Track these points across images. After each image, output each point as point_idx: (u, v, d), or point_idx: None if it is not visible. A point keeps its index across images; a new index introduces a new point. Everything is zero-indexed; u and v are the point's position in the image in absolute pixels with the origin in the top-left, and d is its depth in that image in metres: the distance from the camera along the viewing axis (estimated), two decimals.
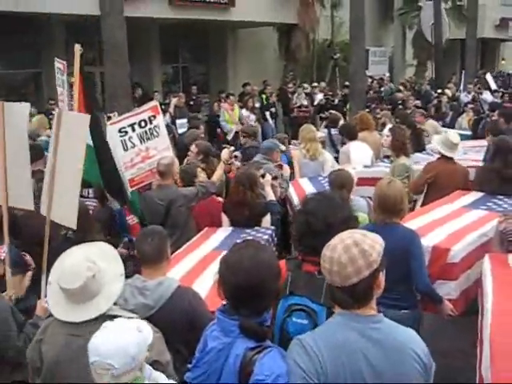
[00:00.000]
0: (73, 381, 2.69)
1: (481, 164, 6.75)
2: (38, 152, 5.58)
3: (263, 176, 5.53)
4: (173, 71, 19.81)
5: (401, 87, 17.89)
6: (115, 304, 2.85)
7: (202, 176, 5.95)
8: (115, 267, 2.91)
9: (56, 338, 2.78)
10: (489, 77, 18.19)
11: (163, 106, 10.89)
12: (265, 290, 2.30)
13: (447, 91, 15.87)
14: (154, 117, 6.01)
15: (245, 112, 13.50)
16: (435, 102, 14.18)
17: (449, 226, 4.62)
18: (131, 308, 3.01)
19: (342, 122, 10.21)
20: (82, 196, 4.75)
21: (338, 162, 7.61)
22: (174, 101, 11.69)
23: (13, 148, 4.38)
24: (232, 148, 6.23)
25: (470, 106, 12.60)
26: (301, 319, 2.55)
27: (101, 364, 2.22)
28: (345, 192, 4.74)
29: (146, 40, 16.88)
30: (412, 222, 4.54)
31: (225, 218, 5.22)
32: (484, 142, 7.64)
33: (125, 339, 2.27)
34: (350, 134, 7.88)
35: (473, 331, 3.54)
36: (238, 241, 2.78)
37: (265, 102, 15.31)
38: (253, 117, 13.70)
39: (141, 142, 5.90)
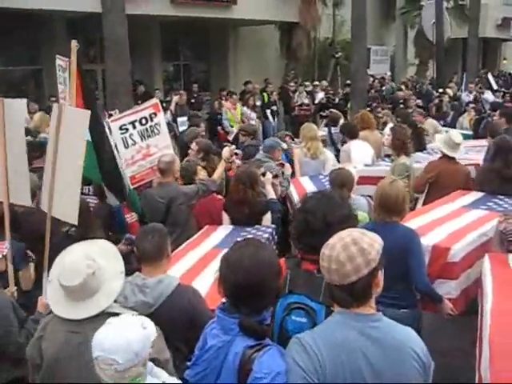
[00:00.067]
0: (73, 378, 2.70)
1: (481, 163, 6.77)
2: (40, 149, 5.59)
3: (264, 174, 5.54)
4: (174, 69, 19.80)
5: (402, 86, 17.87)
6: (115, 301, 2.85)
7: (202, 174, 5.96)
8: (115, 265, 2.91)
9: (56, 335, 2.78)
10: (490, 76, 18.19)
11: (164, 104, 10.90)
12: (265, 289, 2.30)
13: (448, 91, 15.86)
14: (155, 114, 6.02)
15: (246, 110, 13.49)
16: (436, 101, 14.16)
17: (449, 225, 4.63)
18: (131, 306, 3.02)
19: (342, 120, 10.21)
20: (82, 193, 4.74)
21: (338, 160, 7.61)
22: (175, 98, 11.67)
23: (12, 144, 4.39)
24: (233, 146, 6.23)
25: (471, 105, 12.58)
26: (300, 317, 2.55)
27: (104, 359, 2.22)
28: (345, 191, 4.74)
29: (147, 38, 16.86)
30: (412, 222, 4.55)
31: (225, 216, 5.22)
32: (485, 142, 7.64)
33: (129, 335, 2.27)
34: (350, 133, 7.88)
35: (473, 330, 3.54)
36: (239, 239, 2.79)
37: (266, 101, 15.29)
38: (254, 115, 13.69)
39: (141, 139, 5.91)
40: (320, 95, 16.07)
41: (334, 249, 2.16)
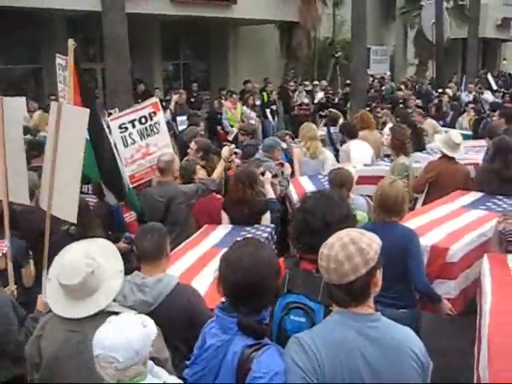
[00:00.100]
0: (72, 377, 2.70)
1: (480, 163, 6.79)
2: (39, 149, 5.59)
3: (263, 174, 5.54)
4: (173, 68, 19.79)
5: (402, 86, 17.88)
6: (114, 300, 2.85)
7: (201, 173, 5.96)
8: (115, 264, 2.91)
9: (55, 334, 2.78)
10: (490, 77, 18.19)
11: (164, 103, 10.89)
12: (264, 288, 2.30)
13: (448, 91, 15.87)
14: (155, 113, 6.02)
15: (245, 109, 13.49)
16: (436, 101, 14.17)
17: (448, 225, 4.63)
18: (130, 304, 3.02)
19: (341, 120, 10.21)
20: (81, 192, 4.75)
21: (337, 160, 7.61)
22: (174, 97, 11.67)
23: (11, 143, 4.40)
24: (233, 146, 6.23)
25: (470, 105, 12.58)
26: (298, 317, 2.55)
27: (105, 357, 2.23)
28: (344, 191, 4.75)
29: (146, 36, 16.86)
30: (412, 222, 4.56)
31: (224, 216, 5.23)
32: (484, 142, 7.64)
33: (129, 333, 2.28)
34: (350, 133, 7.88)
35: (471, 330, 3.55)
36: (238, 238, 2.78)
37: (266, 100, 15.29)
38: (253, 114, 13.69)
39: (141, 138, 5.91)
40: (319, 95, 16.06)
41: (333, 248, 2.16)
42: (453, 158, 6.12)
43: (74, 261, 2.75)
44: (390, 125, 9.14)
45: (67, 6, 12.83)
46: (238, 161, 6.27)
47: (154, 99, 6.52)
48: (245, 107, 13.52)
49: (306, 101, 15.95)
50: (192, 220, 5.36)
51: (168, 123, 7.92)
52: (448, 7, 23.73)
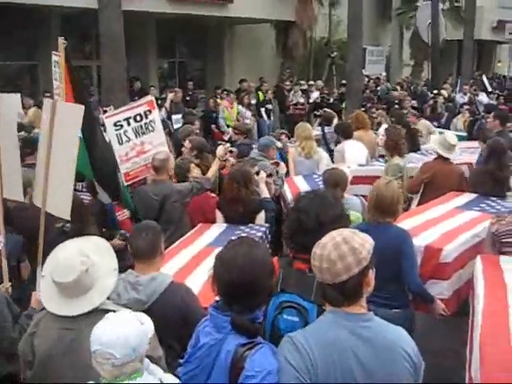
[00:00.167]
0: (66, 375, 2.69)
1: (474, 163, 6.83)
2: (32, 146, 5.58)
3: (258, 173, 5.54)
4: (169, 66, 19.77)
5: (397, 87, 17.91)
6: (108, 298, 2.85)
7: (195, 172, 5.95)
8: (109, 261, 2.91)
9: (49, 332, 2.78)
10: (484, 78, 18.25)
11: (159, 101, 10.87)
12: (258, 287, 2.31)
13: (443, 92, 15.92)
14: (150, 111, 6.00)
15: (240, 108, 13.50)
16: (431, 102, 14.21)
17: (442, 226, 4.65)
18: (124, 303, 3.02)
19: (336, 120, 10.23)
20: (75, 190, 4.74)
21: (331, 160, 7.62)
22: (170, 96, 11.65)
23: (5, 139, 4.39)
24: (228, 145, 6.23)
25: (465, 107, 12.63)
26: (291, 316, 2.56)
27: (102, 353, 2.24)
28: (339, 191, 4.75)
29: (142, 34, 16.82)
30: (406, 222, 4.57)
31: (219, 215, 5.23)
32: (478, 144, 7.67)
33: (127, 330, 2.29)
34: (345, 133, 7.88)
35: (465, 331, 3.57)
36: (232, 237, 2.79)
37: (261, 99, 15.29)
38: (249, 113, 13.69)
39: (136, 136, 5.89)
40: (315, 95, 16.09)
41: (326, 248, 2.17)
42: (448, 159, 6.14)
43: (68, 258, 2.75)
44: (384, 125, 9.17)
45: (63, 3, 12.80)
46: (232, 160, 6.27)
47: (150, 97, 6.51)
48: (240, 106, 13.53)
49: (302, 100, 15.97)
50: (186, 218, 5.36)
51: (163, 121, 7.91)
52: (444, 9, 23.81)
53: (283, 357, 2.16)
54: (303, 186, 6.45)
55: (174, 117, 11.02)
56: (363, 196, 5.34)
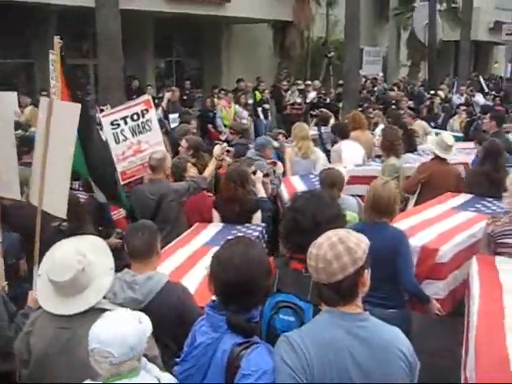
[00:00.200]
0: (62, 373, 2.69)
1: (470, 163, 6.86)
2: (29, 145, 5.57)
3: (254, 173, 5.54)
4: (166, 65, 19.76)
5: (394, 88, 17.93)
6: (104, 298, 2.85)
7: (192, 171, 5.96)
8: (105, 261, 2.91)
9: (45, 331, 2.78)
10: (481, 79, 18.30)
11: (156, 100, 10.86)
12: (255, 287, 2.31)
13: (440, 93, 15.95)
14: (147, 110, 6.01)
15: (237, 108, 13.50)
16: (428, 103, 14.24)
17: (438, 226, 4.67)
18: (120, 302, 3.02)
19: (332, 120, 10.24)
20: (71, 188, 4.74)
21: (328, 160, 7.62)
22: (167, 95, 11.63)
23: (2, 138, 4.39)
24: (225, 144, 6.23)
25: (462, 107, 12.65)
26: (288, 316, 2.57)
27: (100, 351, 2.24)
28: (335, 191, 4.76)
29: (139, 33, 16.80)
30: (402, 222, 4.59)
31: (215, 214, 5.24)
32: (474, 145, 7.70)
33: (125, 329, 2.29)
34: (342, 133, 7.89)
35: (460, 331, 3.57)
36: (229, 237, 2.79)
37: (258, 99, 15.28)
38: (246, 113, 13.69)
39: (133, 135, 5.89)
40: (312, 95, 16.09)
41: (321, 248, 2.18)
42: (445, 160, 6.17)
43: (64, 257, 2.75)
44: (381, 126, 9.19)
45: (61, 1, 12.78)
46: (229, 159, 6.27)
47: (146, 96, 6.51)
48: (237, 106, 13.52)
49: (299, 100, 15.98)
50: (183, 218, 5.36)
51: (160, 121, 7.90)
52: (441, 9, 23.84)
53: (279, 356, 2.16)
54: (300, 185, 6.46)
55: (170, 116, 11.02)
56: (360, 196, 5.34)
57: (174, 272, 3.92)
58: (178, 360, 2.48)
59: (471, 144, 8.13)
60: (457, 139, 8.18)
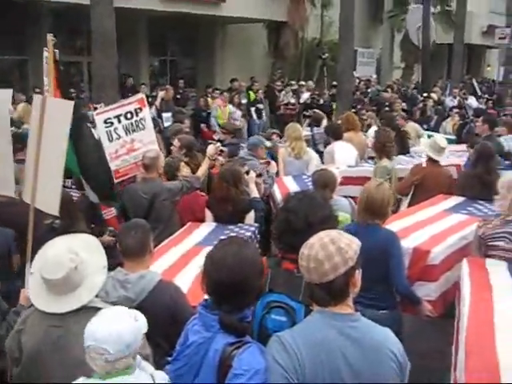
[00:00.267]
0: (55, 370, 2.68)
1: (462, 166, 6.90)
2: (22, 142, 5.55)
3: (247, 173, 5.55)
4: (160, 64, 19.74)
5: (388, 90, 17.97)
6: (97, 296, 2.85)
7: (185, 170, 5.96)
8: (98, 259, 2.91)
9: (36, 329, 2.77)
10: (475, 82, 18.37)
11: (150, 99, 10.84)
12: (248, 287, 2.32)
13: (433, 95, 16.00)
14: (141, 109, 6.00)
15: (231, 108, 13.50)
16: (421, 105, 14.28)
17: (430, 228, 4.69)
18: (112, 301, 3.01)
19: (325, 121, 10.26)
20: (64, 186, 4.73)
21: (321, 161, 7.64)
22: (161, 94, 11.61)
23: None
24: (218, 144, 6.23)
25: (455, 110, 12.70)
26: (279, 316, 2.58)
27: (96, 348, 2.24)
28: (328, 192, 4.77)
29: (134, 31, 16.78)
30: (395, 224, 4.61)
31: (208, 214, 5.24)
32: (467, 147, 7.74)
33: (121, 326, 2.29)
34: (335, 134, 7.90)
35: (451, 333, 3.59)
36: (221, 237, 2.80)
37: (252, 99, 15.28)
38: (239, 113, 13.68)
39: (126, 133, 5.88)
40: (305, 95, 16.10)
41: (313, 248, 2.20)
42: (437, 162, 6.21)
43: (57, 255, 2.74)
44: (374, 127, 9.22)
45: None
46: (222, 159, 6.27)
47: (140, 95, 6.50)
48: (231, 106, 13.52)
49: (293, 101, 15.98)
50: (176, 217, 5.36)
51: (153, 119, 7.89)
52: (435, 12, 23.92)
53: (271, 356, 2.17)
54: (293, 186, 6.47)
55: (164, 115, 11.00)
56: (352, 197, 5.36)
57: (167, 271, 3.92)
58: (169, 359, 2.49)
59: (463, 146, 8.17)
60: (449, 142, 8.23)
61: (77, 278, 2.74)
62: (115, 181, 5.72)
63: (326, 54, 20.26)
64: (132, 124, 5.92)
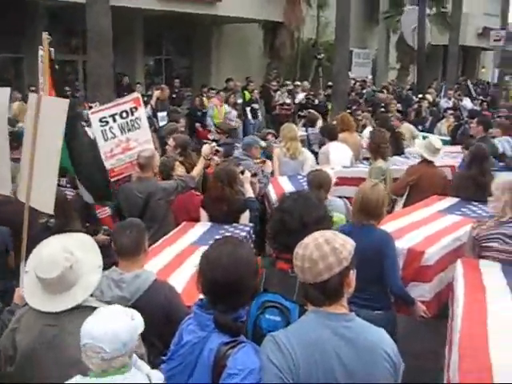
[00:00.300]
0: (50, 369, 2.68)
1: (456, 166, 6.93)
2: (18, 140, 5.54)
3: (242, 172, 5.55)
4: (156, 63, 19.70)
5: (384, 90, 18.00)
6: (91, 296, 2.85)
7: (180, 170, 5.95)
8: (93, 258, 2.90)
9: (31, 328, 2.76)
10: (470, 84, 18.43)
11: (145, 98, 10.82)
12: (242, 287, 2.33)
13: (428, 96, 16.04)
14: (136, 108, 5.99)
15: (227, 108, 13.49)
16: (416, 106, 14.31)
17: (424, 229, 4.71)
18: (107, 300, 3.01)
19: (320, 121, 10.27)
20: (58, 185, 4.72)
21: (316, 161, 7.64)
22: (156, 93, 11.57)
23: None
24: (214, 144, 6.23)
25: (449, 112, 12.73)
26: (274, 316, 2.58)
27: (92, 347, 2.25)
28: (322, 192, 4.78)
29: (129, 30, 16.73)
30: (389, 224, 4.62)
31: (203, 213, 5.24)
32: (461, 149, 7.77)
33: (118, 325, 2.30)
34: (330, 135, 7.90)
35: (445, 333, 3.61)
36: (216, 236, 2.80)
37: (247, 99, 15.27)
38: (234, 113, 13.68)
39: (121, 132, 5.88)
40: (300, 96, 16.11)
41: (308, 248, 2.21)
42: (432, 162, 6.23)
43: (52, 254, 2.74)
44: (369, 128, 9.24)
45: None
46: (217, 159, 6.27)
47: (136, 94, 6.49)
48: (226, 105, 13.52)
49: (288, 101, 15.99)
50: (171, 216, 5.36)
51: (149, 119, 7.88)
52: (430, 14, 23.98)
53: (265, 356, 2.17)
54: (287, 186, 6.47)
55: (159, 114, 10.98)
56: (347, 198, 5.37)
57: (161, 270, 3.91)
58: (164, 358, 2.49)
59: (458, 148, 8.20)
60: (444, 143, 8.26)
61: (72, 277, 2.74)
62: (110, 180, 5.71)
63: (322, 55, 20.33)
64: (127, 123, 5.91)
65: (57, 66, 5.15)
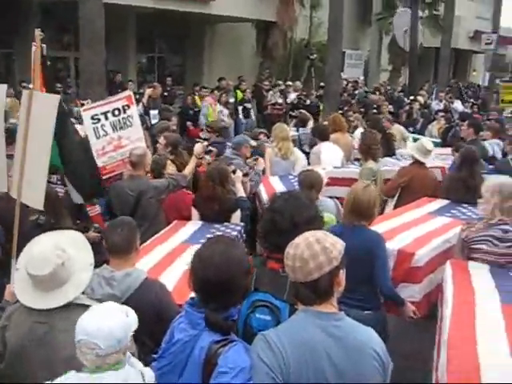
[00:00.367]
0: (41, 366, 2.67)
1: (446, 168, 6.98)
2: (12, 137, 5.52)
3: (234, 172, 5.56)
4: (148, 61, 19.66)
5: (376, 92, 18.05)
6: (83, 293, 2.84)
7: (171, 168, 5.95)
8: (85, 256, 2.90)
9: (21, 325, 2.75)
10: (461, 87, 18.53)
11: (137, 96, 10.79)
12: (234, 286, 2.33)
13: (419, 98, 16.11)
14: (128, 106, 5.98)
15: (219, 107, 13.47)
16: (407, 108, 14.37)
17: (414, 230, 4.74)
18: (98, 298, 3.00)
19: (311, 122, 10.28)
20: (49, 182, 4.70)
21: (307, 161, 7.65)
22: (148, 91, 11.54)
23: None
24: (206, 143, 6.23)
25: (440, 114, 12.79)
26: (264, 315, 2.59)
27: (87, 343, 2.25)
28: (313, 192, 4.79)
29: (122, 28, 16.69)
30: (380, 226, 4.64)
31: (195, 212, 5.24)
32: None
33: (112, 322, 2.30)
34: (321, 135, 7.91)
35: (435, 334, 3.63)
36: (207, 235, 2.80)
37: (239, 98, 15.26)
38: (226, 112, 13.66)
39: (113, 130, 5.86)
40: (292, 96, 16.12)
41: (299, 247, 2.23)
42: (423, 164, 6.27)
43: (44, 252, 2.73)
44: (360, 129, 9.26)
45: None
46: (208, 158, 6.27)
47: (128, 92, 6.48)
48: (219, 104, 13.50)
49: (280, 100, 15.99)
50: (162, 215, 5.35)
51: (141, 116, 7.86)
52: (422, 16, 24.07)
53: (256, 354, 2.19)
54: (279, 186, 6.48)
55: (151, 112, 10.95)
56: (338, 198, 5.40)
57: (152, 269, 3.91)
58: (155, 356, 2.50)
59: (448, 150, 8.24)
60: (435, 145, 8.30)
61: (64, 274, 2.74)
62: (102, 177, 5.69)
63: (315, 55, 20.35)
64: (119, 121, 5.90)
65: (48, 63, 5.14)
